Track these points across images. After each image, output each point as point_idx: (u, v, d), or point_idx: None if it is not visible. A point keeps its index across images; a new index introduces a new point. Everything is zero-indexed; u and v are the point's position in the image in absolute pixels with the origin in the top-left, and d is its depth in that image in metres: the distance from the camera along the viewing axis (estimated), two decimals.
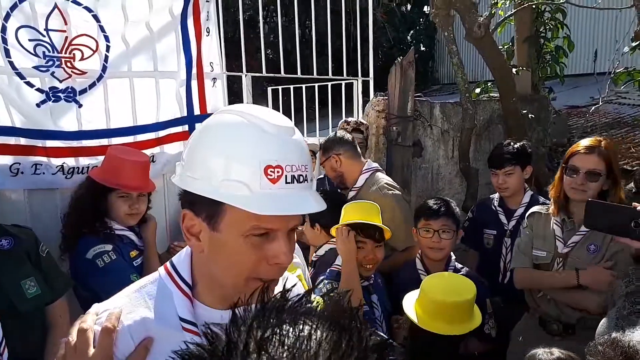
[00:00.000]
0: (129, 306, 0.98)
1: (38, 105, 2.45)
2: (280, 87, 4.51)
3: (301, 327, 0.52)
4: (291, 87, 4.39)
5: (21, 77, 2.39)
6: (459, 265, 2.47)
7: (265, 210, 0.87)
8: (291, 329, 0.51)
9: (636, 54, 3.80)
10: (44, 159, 2.48)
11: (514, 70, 4.42)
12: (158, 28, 2.80)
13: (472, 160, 4.31)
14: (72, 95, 2.54)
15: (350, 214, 2.32)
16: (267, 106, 4.51)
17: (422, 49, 14.73)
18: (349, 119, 3.34)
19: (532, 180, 3.14)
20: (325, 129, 4.32)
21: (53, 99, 2.48)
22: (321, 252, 2.61)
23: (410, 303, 2.04)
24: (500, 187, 2.94)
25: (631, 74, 3.71)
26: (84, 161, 2.58)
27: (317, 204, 0.94)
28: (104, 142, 2.65)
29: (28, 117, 2.41)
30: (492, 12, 4.05)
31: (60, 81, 2.50)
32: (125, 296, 1.01)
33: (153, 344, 0.96)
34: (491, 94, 4.55)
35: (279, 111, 3.95)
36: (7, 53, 2.34)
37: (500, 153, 2.95)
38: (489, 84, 5.03)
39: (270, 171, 0.88)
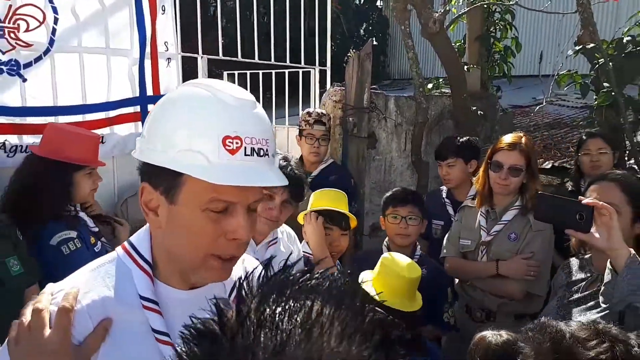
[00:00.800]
0: (86, 285, 0.94)
1: None
2: (236, 72, 4.43)
3: (310, 303, 0.51)
4: (247, 72, 4.33)
5: None
6: (424, 256, 2.53)
7: (223, 180, 0.86)
8: (299, 304, 0.51)
9: (578, 58, 4.01)
10: None
11: (465, 67, 4.55)
12: (111, 3, 2.70)
13: (423, 154, 4.40)
14: (15, 68, 2.40)
15: (318, 200, 2.34)
16: None
17: (375, 43, 14.91)
18: (311, 110, 3.31)
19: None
20: (282, 117, 4.29)
21: None
22: None
23: (367, 281, 2.07)
24: (444, 178, 3.08)
25: (573, 77, 3.90)
26: (28, 139, 2.44)
27: (277, 179, 0.93)
28: (50, 119, 2.52)
29: None
30: (447, 9, 4.14)
31: (3, 53, 2.35)
32: (82, 275, 0.98)
33: (113, 323, 0.92)
34: (443, 90, 4.67)
35: None
36: None
37: (444, 145, 3.10)
38: (440, 80, 5.16)
39: (229, 142, 0.87)
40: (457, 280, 2.65)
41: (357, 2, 14.90)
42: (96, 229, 2.23)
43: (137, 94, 2.83)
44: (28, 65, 2.43)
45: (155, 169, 0.90)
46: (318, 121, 3.20)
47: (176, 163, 0.87)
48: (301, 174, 1.88)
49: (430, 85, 4.85)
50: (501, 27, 5.05)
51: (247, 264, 1.18)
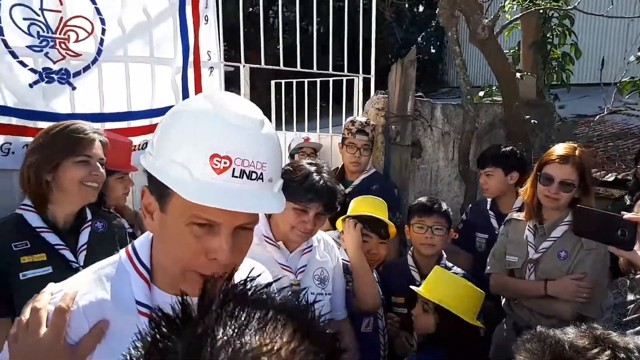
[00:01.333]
0: (86, 287, 0.96)
1: (31, 85, 2.42)
2: (283, 81, 4.48)
3: (264, 314, 0.52)
4: (294, 81, 4.37)
5: (14, 56, 2.37)
6: (450, 264, 2.47)
7: (198, 198, 0.83)
8: (257, 315, 0.52)
9: None
10: None
11: (518, 74, 4.37)
12: (155, 14, 2.78)
13: (472, 164, 4.26)
14: (65, 77, 2.52)
15: (357, 207, 2.33)
16: (270, 100, 4.49)
17: (432, 51, 14.67)
18: (355, 119, 3.27)
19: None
20: (326, 128, 4.28)
21: (46, 79, 2.46)
22: None
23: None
24: (482, 187, 3.00)
25: (636, 84, 3.65)
26: None
27: (264, 206, 0.89)
28: (97, 126, 2.61)
29: (20, 97, 2.39)
30: (498, 14, 4.00)
31: (54, 62, 2.47)
32: (83, 277, 0.99)
33: (109, 326, 0.93)
34: (494, 98, 4.50)
35: (280, 106, 3.91)
36: (1, 31, 2.32)
37: (485, 153, 3.02)
38: (493, 88, 4.98)
39: (217, 160, 0.84)
40: (503, 298, 2.52)
41: (415, 10, 14.75)
42: (131, 230, 2.31)
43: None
44: (77, 74, 2.55)
45: (151, 175, 0.91)
46: (361, 131, 3.16)
47: (161, 172, 0.87)
48: (334, 185, 1.84)
49: (482, 93, 4.69)
50: (559, 32, 4.82)
51: (254, 271, 1.16)
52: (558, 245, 2.27)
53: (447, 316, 1.95)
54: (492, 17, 3.95)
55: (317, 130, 4.18)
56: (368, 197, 2.47)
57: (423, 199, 2.55)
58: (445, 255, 2.49)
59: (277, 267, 1.79)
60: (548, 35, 4.87)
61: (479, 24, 3.87)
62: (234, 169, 0.84)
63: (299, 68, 3.47)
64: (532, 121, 4.20)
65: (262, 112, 0.93)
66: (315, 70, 3.57)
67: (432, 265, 2.43)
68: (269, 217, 1.86)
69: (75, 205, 1.91)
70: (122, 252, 1.02)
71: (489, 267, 2.54)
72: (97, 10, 2.59)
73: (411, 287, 2.14)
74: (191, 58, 2.92)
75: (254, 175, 0.86)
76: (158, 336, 0.52)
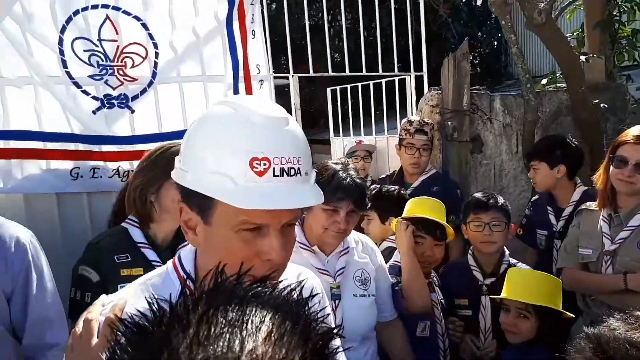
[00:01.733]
0: (133, 298, 0.98)
1: (94, 112, 2.59)
2: (338, 88, 4.50)
3: (248, 307, 0.52)
4: (348, 86, 4.37)
5: (77, 86, 2.54)
6: (514, 261, 2.37)
7: (249, 204, 0.85)
8: (237, 307, 0.51)
9: None
10: (100, 163, 2.62)
11: (583, 57, 4.11)
12: (204, 33, 2.88)
13: None
14: (125, 101, 2.66)
15: (412, 208, 2.30)
16: (327, 108, 4.50)
17: (494, 43, 14.16)
18: (412, 119, 3.21)
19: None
20: (382, 132, 4.24)
21: (107, 105, 2.62)
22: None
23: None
24: (533, 181, 2.89)
25: None
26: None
27: (308, 199, 0.91)
28: (156, 145, 2.75)
29: (85, 123, 2.56)
30: None
31: (114, 88, 2.62)
32: (132, 288, 1.02)
33: None
34: (559, 85, 4.26)
35: (338, 113, 3.92)
36: (65, 64, 2.50)
37: (533, 146, 2.90)
38: (557, 75, 4.72)
39: (256, 163, 0.86)
40: (579, 295, 2.38)
41: (473, 3, 14.32)
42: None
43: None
44: (135, 97, 2.69)
45: (189, 190, 0.92)
46: (419, 130, 3.08)
47: (204, 186, 0.89)
48: (362, 181, 1.84)
49: (544, 81, 4.45)
50: (626, 9, 4.49)
51: (303, 277, 1.15)
52: (637, 235, 2.12)
53: (546, 315, 1.90)
54: (546, 1, 3.74)
55: (373, 134, 4.14)
56: (423, 198, 2.42)
57: (478, 195, 2.46)
58: (507, 252, 2.38)
59: (315, 272, 1.77)
60: (614, 13, 4.54)
61: (535, 8, 3.69)
62: (274, 168, 0.87)
63: (347, 72, 3.47)
64: (602, 105, 3.93)
65: (284, 110, 0.95)
66: (364, 72, 3.54)
67: (494, 263, 2.35)
68: (301, 222, 1.86)
69: (174, 223, 1.97)
70: (169, 262, 1.05)
71: (560, 262, 2.42)
72: (150, 36, 2.72)
73: (492, 297, 2.08)
74: (241, 73, 2.99)
75: (292, 172, 0.89)
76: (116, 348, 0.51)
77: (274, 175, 0.87)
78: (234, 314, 0.49)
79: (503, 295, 2.00)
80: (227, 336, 0.46)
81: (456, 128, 3.49)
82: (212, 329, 0.48)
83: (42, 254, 1.73)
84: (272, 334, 0.47)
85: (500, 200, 2.40)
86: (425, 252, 2.21)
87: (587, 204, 2.40)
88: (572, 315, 1.96)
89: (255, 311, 0.50)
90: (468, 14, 13.83)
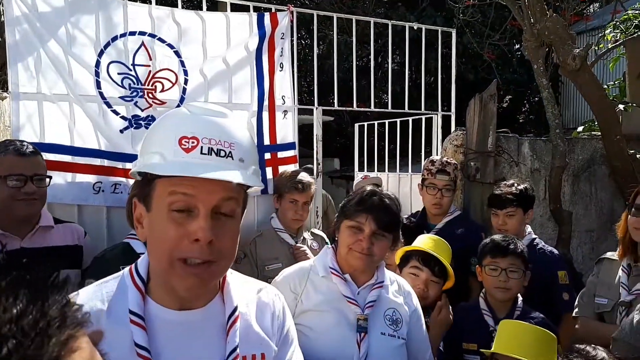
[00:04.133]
0: (85, 298, 1.00)
1: (121, 131, 2.73)
2: (365, 124, 4.56)
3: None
4: (375, 122, 4.42)
5: (108, 105, 2.70)
6: (527, 308, 2.27)
7: (171, 171, 0.91)
8: None
9: None
10: (122, 179, 2.74)
11: (621, 106, 4.01)
12: (234, 63, 3.01)
13: (569, 204, 3.94)
14: (151, 122, 2.78)
15: (416, 243, 2.29)
16: (350, 141, 4.59)
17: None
18: (434, 158, 3.18)
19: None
20: (405, 167, 4.23)
21: (135, 125, 2.76)
22: None
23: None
24: (500, 228, 2.77)
25: None
26: None
27: (234, 175, 0.92)
28: None
29: (111, 141, 2.70)
30: (591, 43, 3.75)
31: (142, 110, 2.77)
32: (86, 289, 1.04)
33: (102, 336, 0.98)
34: (593, 132, 4.16)
35: (363, 148, 3.95)
36: (99, 84, 2.67)
37: (502, 193, 2.80)
38: (595, 123, 4.61)
39: (185, 141, 0.93)
40: None
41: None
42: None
43: (255, 143, 3.08)
44: None
45: (138, 183, 1.00)
46: (441, 170, 3.02)
47: (140, 165, 0.97)
48: (393, 203, 1.72)
49: (580, 128, 4.36)
50: None
51: (264, 294, 1.16)
52: None
53: None
54: (584, 46, 3.71)
55: (397, 171, 4.14)
56: (432, 236, 2.40)
57: (497, 237, 2.37)
58: (521, 298, 2.29)
59: (343, 300, 1.69)
60: None
61: (569, 53, 3.66)
62: (201, 147, 0.93)
63: (372, 108, 3.52)
64: (638, 156, 3.80)
65: (229, 112, 1.02)
66: (390, 109, 3.58)
67: (507, 308, 2.26)
68: (336, 250, 1.79)
69: None
70: (127, 268, 1.07)
71: (576, 310, 2.33)
72: (182, 63, 2.88)
73: (482, 350, 2.00)
74: (266, 102, 3.10)
75: (222, 153, 0.94)
76: None
77: (202, 153, 0.92)
78: None
79: (496, 349, 1.91)
80: None
81: (479, 169, 3.45)
82: None
83: None
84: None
85: (520, 245, 2.31)
86: (419, 285, 2.15)
87: (609, 253, 2.33)
88: None
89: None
90: (519, 60, 13.73)
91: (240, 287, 1.12)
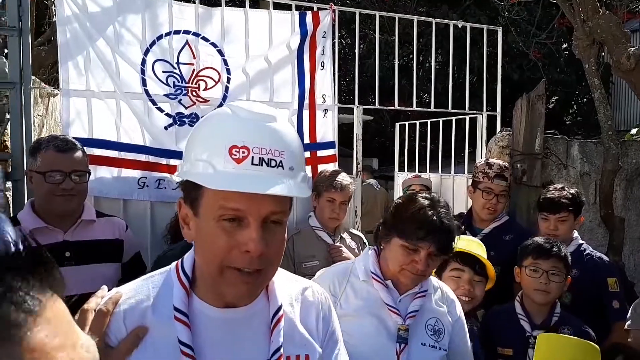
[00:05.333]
0: (132, 292, 1.01)
1: (166, 128, 2.79)
2: (407, 123, 4.49)
3: None
4: (417, 122, 4.35)
5: (153, 103, 2.76)
6: (565, 313, 2.19)
7: (221, 185, 0.88)
8: None
9: None
10: (166, 175, 2.80)
11: None
12: (276, 61, 3.02)
13: (621, 209, 3.76)
14: (195, 120, 2.84)
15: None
16: (390, 140, 4.56)
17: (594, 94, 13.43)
18: (492, 161, 2.97)
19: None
20: (447, 167, 4.14)
21: (179, 123, 2.81)
22: None
23: None
24: (550, 233, 2.61)
25: None
26: None
27: (285, 189, 0.90)
28: None
29: (156, 137, 2.76)
30: None
31: (186, 107, 2.82)
32: (133, 283, 1.05)
33: (147, 331, 0.97)
34: None
35: (404, 148, 3.89)
36: (144, 82, 2.73)
37: (555, 197, 2.66)
38: None
39: (235, 151, 0.89)
40: None
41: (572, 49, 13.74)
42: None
43: (302, 145, 3.08)
44: None
45: (184, 184, 0.97)
46: (500, 175, 2.88)
47: (188, 173, 0.94)
48: (451, 222, 1.61)
49: (634, 130, 4.16)
50: None
51: (310, 293, 1.14)
52: None
53: None
54: (638, 45, 3.53)
55: (439, 172, 4.06)
56: (463, 237, 2.32)
57: (540, 239, 2.30)
58: (558, 303, 2.21)
59: (385, 308, 1.63)
60: None
61: (624, 52, 3.49)
62: (252, 157, 0.89)
63: (414, 107, 3.46)
64: None
65: (277, 112, 0.97)
66: (432, 109, 3.52)
67: (545, 314, 2.19)
68: (378, 253, 1.73)
69: None
70: (174, 263, 1.07)
71: (629, 322, 2.21)
72: (225, 62, 2.91)
73: None
74: (306, 101, 3.10)
75: (273, 163, 0.90)
76: None
77: (252, 164, 0.89)
78: None
79: None
80: None
81: (526, 171, 3.34)
82: None
83: None
84: None
85: (564, 249, 2.25)
86: (463, 285, 2.09)
87: None
88: None
89: None
90: (566, 60, 13.27)
91: (285, 286, 1.11)
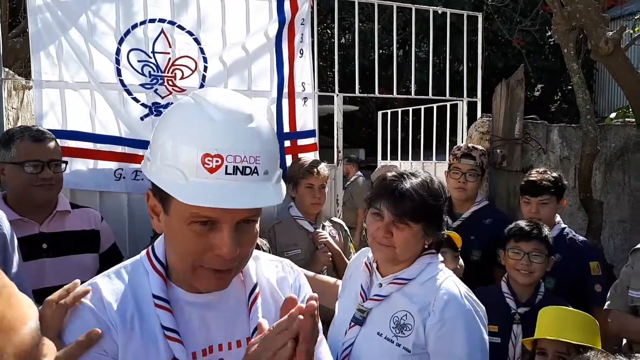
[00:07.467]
0: (106, 283, 1.00)
1: (142, 118, 2.75)
2: (389, 111, 4.48)
3: None
4: (399, 110, 4.35)
5: (129, 93, 2.72)
6: (550, 294, 2.25)
7: (195, 200, 0.85)
8: None
9: None
10: None
11: None
12: (253, 49, 2.99)
13: (601, 193, 3.80)
14: None
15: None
16: (377, 130, 4.54)
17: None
18: (462, 144, 3.11)
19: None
20: (430, 154, 4.15)
21: (155, 113, 2.77)
22: None
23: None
24: (532, 217, 2.61)
25: None
26: None
27: (260, 199, 0.89)
28: None
29: (132, 128, 2.72)
30: (625, 26, 3.59)
31: (162, 97, 2.78)
32: (105, 275, 1.03)
33: (134, 317, 0.97)
34: (627, 119, 4.00)
35: (387, 135, 3.89)
36: (119, 72, 2.69)
37: (537, 180, 2.67)
38: (629, 110, 4.43)
39: (208, 160, 0.85)
40: (625, 340, 2.19)
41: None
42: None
43: (275, 131, 3.06)
44: None
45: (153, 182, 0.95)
46: (466, 154, 2.92)
47: (159, 177, 0.91)
48: (420, 190, 1.48)
49: (613, 114, 4.20)
50: None
51: (281, 268, 1.15)
52: None
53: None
54: (617, 29, 3.55)
55: (421, 159, 4.07)
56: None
57: (522, 223, 2.34)
58: (543, 283, 2.25)
59: (356, 291, 1.59)
60: None
61: (602, 37, 3.51)
62: (226, 166, 0.85)
63: (395, 94, 3.45)
64: None
65: (252, 106, 0.93)
66: (413, 95, 3.51)
67: (529, 293, 2.23)
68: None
69: None
70: (143, 252, 1.07)
71: (608, 302, 2.24)
72: (201, 50, 2.87)
73: (525, 340, 1.97)
74: (286, 89, 3.07)
75: (247, 171, 0.87)
76: None
77: (227, 173, 0.85)
78: None
79: (539, 335, 1.85)
80: None
81: (505, 157, 3.35)
82: None
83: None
84: None
85: (545, 230, 2.28)
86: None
87: None
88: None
89: None
90: (551, 48, 13.34)
91: (259, 265, 1.12)
